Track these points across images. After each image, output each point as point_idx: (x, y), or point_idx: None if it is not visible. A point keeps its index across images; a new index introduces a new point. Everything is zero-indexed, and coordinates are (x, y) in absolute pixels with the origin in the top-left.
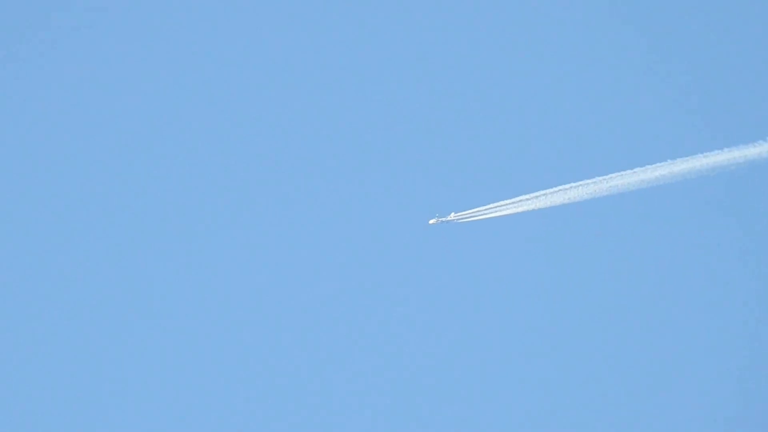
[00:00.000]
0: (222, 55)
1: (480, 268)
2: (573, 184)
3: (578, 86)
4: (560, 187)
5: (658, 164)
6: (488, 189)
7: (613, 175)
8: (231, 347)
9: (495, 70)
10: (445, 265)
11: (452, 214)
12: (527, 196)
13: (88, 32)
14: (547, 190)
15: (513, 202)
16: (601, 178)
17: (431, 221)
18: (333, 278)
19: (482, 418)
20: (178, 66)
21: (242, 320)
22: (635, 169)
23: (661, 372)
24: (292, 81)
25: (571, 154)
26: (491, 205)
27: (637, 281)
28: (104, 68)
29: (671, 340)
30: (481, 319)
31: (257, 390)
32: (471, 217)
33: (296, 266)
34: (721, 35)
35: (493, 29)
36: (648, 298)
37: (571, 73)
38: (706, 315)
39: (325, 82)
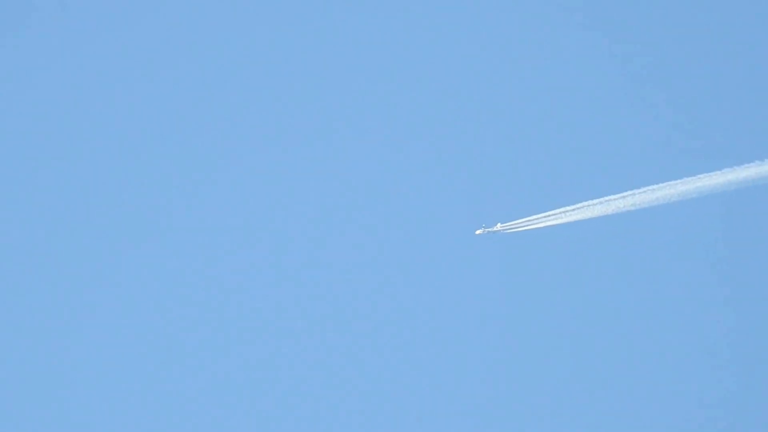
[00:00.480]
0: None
1: (525, 279)
2: (620, 195)
3: (628, 98)
4: (607, 198)
5: (707, 174)
6: (534, 199)
7: (659, 185)
8: (267, 355)
9: (540, 81)
10: (491, 275)
11: (498, 225)
12: (573, 207)
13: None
14: (593, 201)
15: (560, 212)
16: (645, 188)
17: (477, 231)
18: (380, 286)
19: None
20: (178, 60)
21: (279, 327)
22: (683, 179)
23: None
24: (337, 87)
25: (618, 164)
26: (537, 216)
27: (686, 290)
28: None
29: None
30: (526, 329)
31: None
32: (517, 227)
33: (341, 274)
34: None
35: (539, 46)
36: (705, 306)
37: (619, 85)
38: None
39: (369, 91)
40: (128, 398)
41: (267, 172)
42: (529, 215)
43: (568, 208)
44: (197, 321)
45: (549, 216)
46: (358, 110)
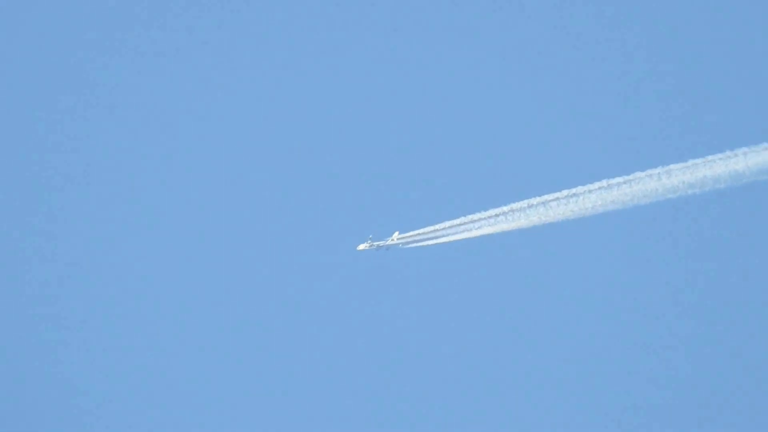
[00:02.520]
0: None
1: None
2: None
3: (536, 100)
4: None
5: (615, 179)
6: (437, 207)
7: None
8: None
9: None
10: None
11: (396, 235)
12: (482, 215)
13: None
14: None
15: (474, 221)
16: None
17: (361, 246)
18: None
19: None
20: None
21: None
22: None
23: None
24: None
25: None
26: (444, 225)
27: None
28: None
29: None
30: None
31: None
32: (419, 240)
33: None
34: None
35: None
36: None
37: (530, 84)
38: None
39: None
40: (127, 397)
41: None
42: (436, 223)
43: (482, 214)
44: (189, 322)
45: (460, 225)
46: (234, 109)
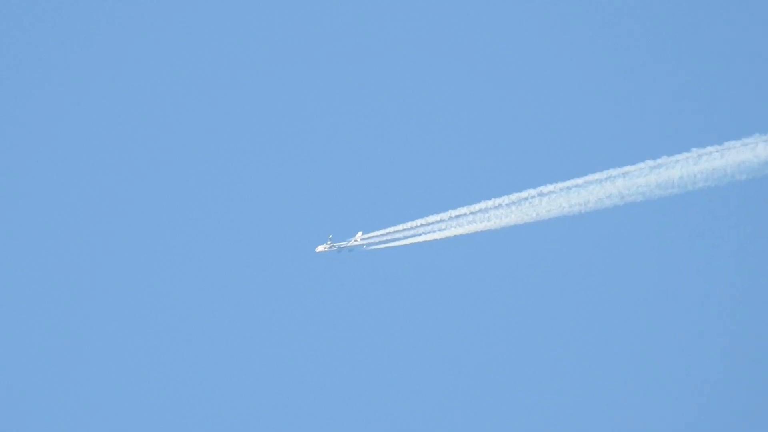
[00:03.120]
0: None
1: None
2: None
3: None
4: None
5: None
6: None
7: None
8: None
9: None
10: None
11: (359, 235)
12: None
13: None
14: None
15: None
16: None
17: (320, 248)
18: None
19: None
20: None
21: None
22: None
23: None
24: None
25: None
26: (409, 225)
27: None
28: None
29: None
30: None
31: None
32: (385, 241)
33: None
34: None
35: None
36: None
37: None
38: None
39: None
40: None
41: None
42: (403, 222)
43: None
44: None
45: (429, 225)
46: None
